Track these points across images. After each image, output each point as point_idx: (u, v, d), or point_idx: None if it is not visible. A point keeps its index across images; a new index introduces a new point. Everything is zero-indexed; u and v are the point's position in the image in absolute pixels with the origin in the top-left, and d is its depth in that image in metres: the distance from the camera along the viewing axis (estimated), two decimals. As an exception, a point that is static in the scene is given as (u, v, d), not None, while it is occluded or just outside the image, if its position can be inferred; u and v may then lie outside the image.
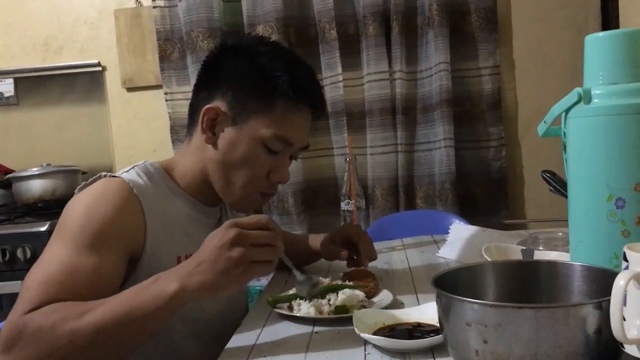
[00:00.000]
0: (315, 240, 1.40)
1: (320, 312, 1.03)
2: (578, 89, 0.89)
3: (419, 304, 1.05)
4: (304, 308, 1.04)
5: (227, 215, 1.26)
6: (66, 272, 0.91)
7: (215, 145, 1.10)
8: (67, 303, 0.88)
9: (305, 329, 1.00)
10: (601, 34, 0.90)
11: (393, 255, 1.53)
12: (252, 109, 1.07)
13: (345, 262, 1.31)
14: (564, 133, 0.94)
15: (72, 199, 1.03)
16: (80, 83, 2.78)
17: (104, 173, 1.06)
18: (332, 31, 2.49)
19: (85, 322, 0.84)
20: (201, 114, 1.08)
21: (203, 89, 1.12)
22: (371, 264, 1.32)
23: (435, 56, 2.44)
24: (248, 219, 0.89)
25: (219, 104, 1.08)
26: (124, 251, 1.00)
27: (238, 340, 0.98)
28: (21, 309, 0.87)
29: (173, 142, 2.63)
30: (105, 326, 0.84)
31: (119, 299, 0.87)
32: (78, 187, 1.06)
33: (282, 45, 1.19)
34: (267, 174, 1.11)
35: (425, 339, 0.85)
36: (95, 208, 0.97)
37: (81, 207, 0.98)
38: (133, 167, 1.10)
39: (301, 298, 1.08)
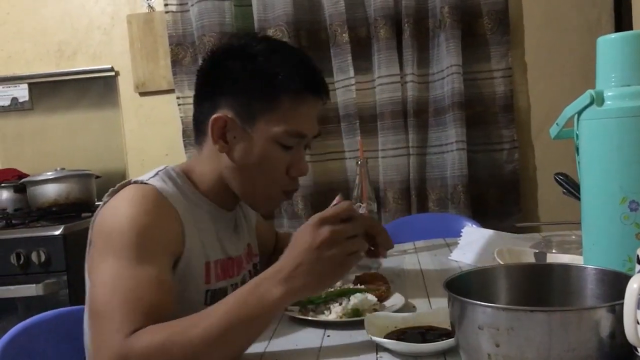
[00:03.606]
0: None
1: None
2: (590, 91, 0.88)
3: (431, 308, 1.05)
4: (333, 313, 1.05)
5: (242, 221, 1.26)
6: (136, 287, 0.91)
7: (229, 153, 1.09)
8: (167, 323, 0.87)
9: (317, 332, 1.00)
10: (613, 35, 0.90)
11: (405, 258, 1.52)
12: (259, 111, 1.07)
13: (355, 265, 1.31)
14: (577, 135, 0.93)
15: (105, 208, 1.02)
16: (94, 88, 2.80)
17: (132, 179, 1.05)
18: (343, 34, 2.49)
19: (194, 335, 0.84)
20: (209, 125, 1.07)
21: (205, 100, 1.11)
22: (383, 267, 1.32)
23: (447, 59, 2.43)
24: (334, 210, 0.89)
25: (225, 111, 1.08)
26: (171, 258, 1.00)
27: (250, 343, 0.98)
28: (120, 333, 0.85)
29: (185, 146, 2.64)
30: (214, 337, 0.84)
31: (222, 309, 0.87)
32: (106, 195, 1.05)
33: (274, 39, 1.18)
34: (286, 170, 1.11)
35: (437, 343, 0.85)
36: (140, 218, 0.96)
37: (125, 218, 0.96)
38: (157, 173, 1.08)
39: (311, 302, 1.08)
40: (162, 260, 0.96)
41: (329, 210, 0.89)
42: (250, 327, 0.86)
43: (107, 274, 0.93)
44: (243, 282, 1.16)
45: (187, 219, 1.04)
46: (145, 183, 1.04)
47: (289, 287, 0.86)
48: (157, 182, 1.04)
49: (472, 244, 1.50)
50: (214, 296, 1.08)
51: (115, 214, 0.99)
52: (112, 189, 1.05)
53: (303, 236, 0.88)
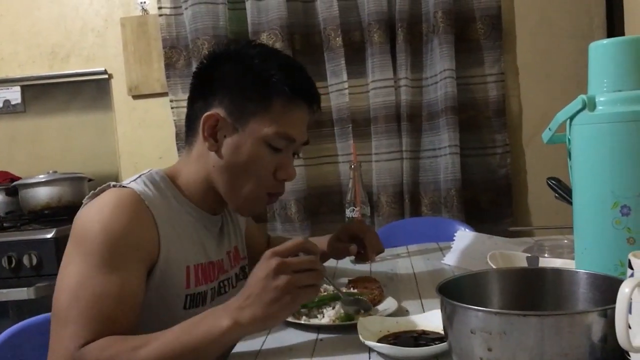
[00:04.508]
0: (318, 243, 1.41)
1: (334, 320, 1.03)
2: (582, 96, 0.89)
3: (424, 312, 1.05)
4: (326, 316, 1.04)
5: (229, 223, 1.26)
6: (99, 296, 0.93)
7: (218, 152, 1.10)
8: (120, 337, 0.90)
9: (310, 336, 1.00)
10: (605, 41, 0.90)
11: (398, 262, 1.52)
12: (251, 111, 1.08)
13: (348, 268, 1.31)
14: (569, 140, 0.94)
15: (82, 211, 1.02)
16: (87, 91, 2.79)
17: (112, 183, 1.05)
18: (337, 38, 2.49)
19: (142, 356, 0.87)
20: (201, 122, 1.08)
21: (198, 99, 1.13)
22: (376, 271, 1.32)
23: (440, 63, 2.44)
24: (285, 245, 0.90)
25: (218, 110, 1.09)
26: (143, 264, 1.00)
27: (243, 346, 0.98)
28: (73, 342, 0.90)
29: (178, 150, 2.63)
30: None
31: (172, 334, 0.89)
32: (86, 197, 1.05)
33: (270, 46, 1.21)
34: (273, 173, 1.11)
35: (430, 347, 0.85)
36: (111, 223, 0.97)
37: (97, 222, 0.97)
38: (140, 176, 1.09)
39: (304, 306, 1.08)
40: (131, 269, 0.97)
41: (281, 245, 0.90)
42: (196, 355, 0.88)
43: (73, 278, 0.95)
44: (221, 285, 1.17)
45: (165, 224, 1.04)
46: (124, 187, 1.04)
47: (236, 318, 0.87)
48: (136, 186, 1.05)
49: (464, 248, 1.51)
50: (194, 300, 1.09)
51: (88, 218, 1.00)
52: (92, 191, 1.05)
53: (256, 270, 0.89)
